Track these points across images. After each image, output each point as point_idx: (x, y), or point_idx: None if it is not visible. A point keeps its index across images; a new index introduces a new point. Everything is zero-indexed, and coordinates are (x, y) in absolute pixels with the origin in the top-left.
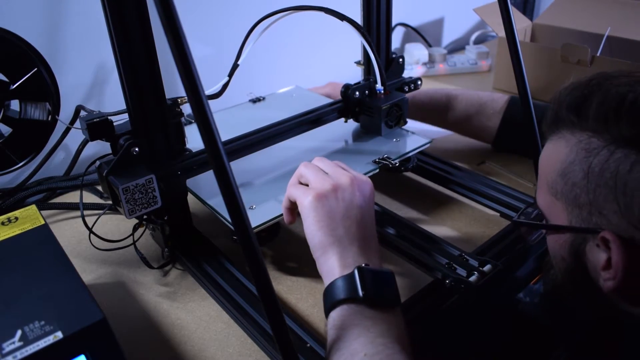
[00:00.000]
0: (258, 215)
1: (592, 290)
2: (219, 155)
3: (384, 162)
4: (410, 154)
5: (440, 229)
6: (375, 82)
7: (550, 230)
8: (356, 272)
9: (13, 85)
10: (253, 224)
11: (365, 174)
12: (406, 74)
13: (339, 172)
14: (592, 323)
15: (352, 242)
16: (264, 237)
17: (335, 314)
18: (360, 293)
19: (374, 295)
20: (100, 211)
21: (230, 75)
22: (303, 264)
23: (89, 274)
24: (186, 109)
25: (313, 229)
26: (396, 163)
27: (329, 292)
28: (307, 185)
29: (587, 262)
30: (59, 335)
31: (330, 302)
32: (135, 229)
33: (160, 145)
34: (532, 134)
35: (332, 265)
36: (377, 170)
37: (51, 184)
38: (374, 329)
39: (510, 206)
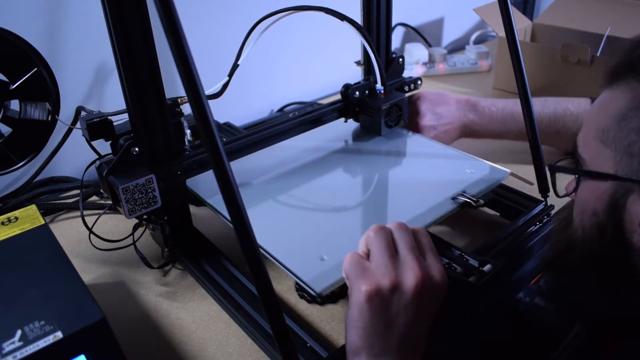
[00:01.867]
0: (333, 272)
1: (619, 249)
2: (219, 155)
3: (465, 199)
4: (491, 188)
5: (440, 228)
6: (375, 82)
7: (590, 178)
8: None
9: (13, 85)
10: (327, 283)
11: (443, 215)
12: (406, 73)
13: (409, 259)
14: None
15: (386, 353)
16: (337, 293)
17: None
18: None
19: None
20: (100, 211)
21: (230, 75)
22: None
23: (89, 274)
24: (186, 108)
25: (350, 324)
26: (480, 201)
27: None
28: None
29: (623, 217)
30: (59, 335)
31: None
32: (135, 228)
33: (160, 145)
34: (533, 133)
35: None
36: (457, 210)
37: (53, 186)
38: None
39: (510, 206)
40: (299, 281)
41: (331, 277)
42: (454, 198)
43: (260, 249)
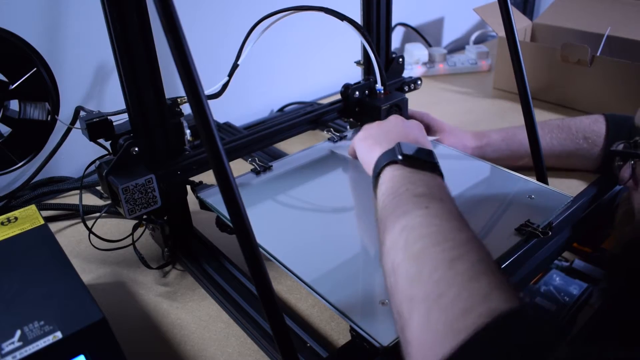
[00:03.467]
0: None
1: None
2: (218, 155)
3: (530, 230)
4: (557, 216)
5: None
6: (375, 82)
7: None
8: (395, 145)
9: (12, 85)
10: (394, 334)
11: (509, 250)
12: (406, 73)
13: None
14: None
15: (392, 142)
16: None
17: (380, 180)
18: (399, 156)
19: (410, 156)
20: (100, 212)
21: (230, 75)
22: None
23: (88, 274)
24: (186, 108)
25: (359, 148)
26: (548, 232)
27: (373, 169)
28: None
29: None
30: (59, 335)
31: (375, 173)
32: (134, 229)
33: (160, 145)
34: (533, 132)
35: (376, 154)
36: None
37: (53, 186)
38: (415, 181)
39: None
40: (229, 222)
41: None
42: (518, 230)
43: (205, 203)
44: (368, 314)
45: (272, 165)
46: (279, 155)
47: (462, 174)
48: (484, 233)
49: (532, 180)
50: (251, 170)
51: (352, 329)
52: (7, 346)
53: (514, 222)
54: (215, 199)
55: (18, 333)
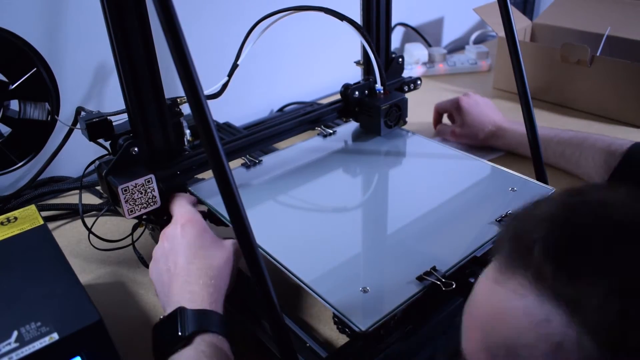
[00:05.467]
0: (378, 304)
1: None
2: (218, 155)
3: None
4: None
5: None
6: (375, 82)
7: None
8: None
9: (12, 85)
10: (372, 320)
11: (489, 240)
12: (406, 73)
13: None
14: None
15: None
16: None
17: None
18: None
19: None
20: (100, 211)
21: (230, 75)
22: None
23: (88, 274)
24: (186, 108)
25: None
26: None
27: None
28: None
29: None
30: (55, 336)
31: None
32: (134, 229)
33: (159, 145)
34: (533, 133)
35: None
36: None
37: (53, 186)
38: None
39: None
40: (228, 222)
41: (377, 314)
42: (499, 220)
43: (203, 202)
44: (369, 314)
45: (261, 160)
46: None
47: (413, 152)
48: (465, 224)
49: (514, 173)
50: (241, 164)
51: (333, 315)
52: (4, 347)
53: (496, 213)
54: (204, 192)
55: (15, 334)
